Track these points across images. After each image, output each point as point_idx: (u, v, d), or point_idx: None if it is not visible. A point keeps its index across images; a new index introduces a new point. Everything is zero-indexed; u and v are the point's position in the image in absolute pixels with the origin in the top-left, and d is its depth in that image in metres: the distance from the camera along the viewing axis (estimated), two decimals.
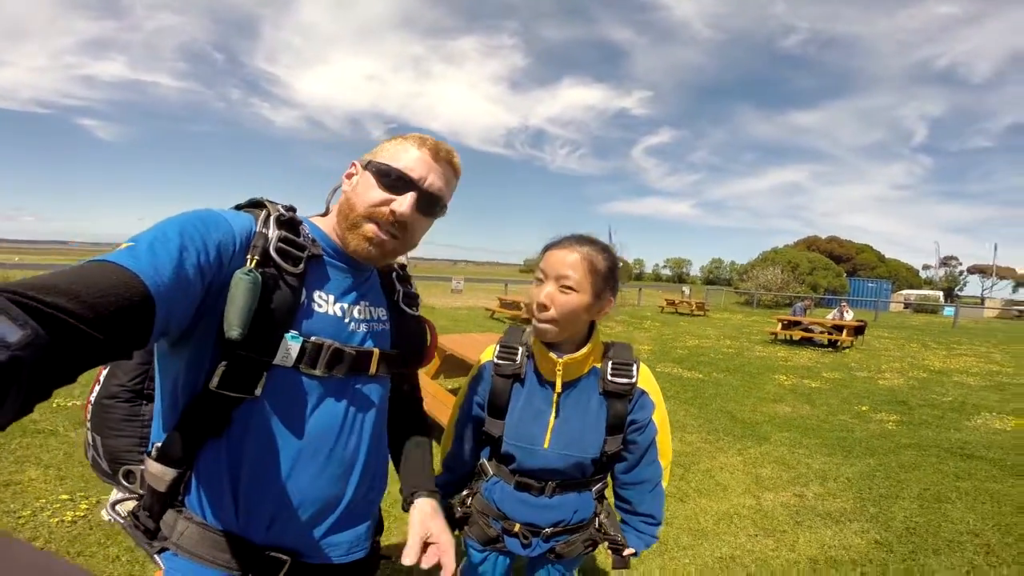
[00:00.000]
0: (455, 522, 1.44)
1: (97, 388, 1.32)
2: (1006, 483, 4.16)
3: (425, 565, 1.01)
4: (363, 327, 1.03)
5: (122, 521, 0.98)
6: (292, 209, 0.98)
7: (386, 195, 0.97)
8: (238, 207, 0.97)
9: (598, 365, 1.33)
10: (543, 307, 1.19)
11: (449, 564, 1.02)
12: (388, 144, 1.02)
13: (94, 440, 1.31)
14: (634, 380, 1.30)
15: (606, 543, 1.39)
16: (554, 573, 1.46)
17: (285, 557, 0.93)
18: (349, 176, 1.04)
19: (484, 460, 1.44)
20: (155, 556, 0.91)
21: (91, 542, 2.61)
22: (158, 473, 0.89)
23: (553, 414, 1.31)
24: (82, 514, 2.86)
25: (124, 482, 1.05)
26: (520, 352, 1.34)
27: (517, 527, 1.37)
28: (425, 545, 1.03)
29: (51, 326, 0.57)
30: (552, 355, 1.27)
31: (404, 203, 0.97)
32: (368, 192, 0.98)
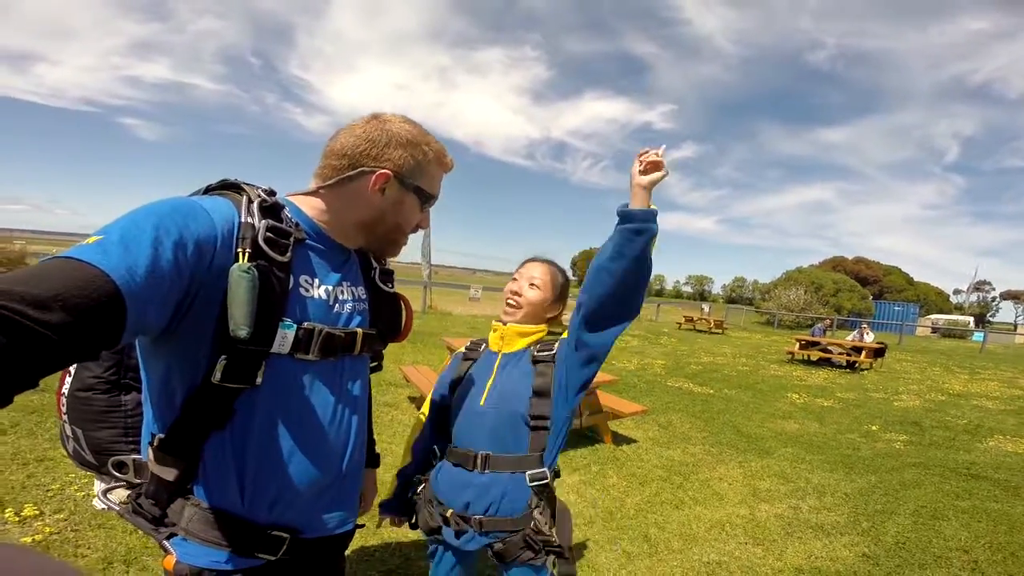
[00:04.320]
0: (406, 508, 1.64)
1: (68, 380, 1.33)
2: (1006, 503, 4.14)
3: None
4: (347, 308, 1.06)
5: (118, 509, 1.00)
6: (272, 193, 0.96)
7: (420, 215, 1.13)
8: (209, 189, 0.95)
9: (531, 349, 1.56)
10: (516, 293, 1.57)
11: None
12: (427, 164, 1.08)
13: (74, 432, 1.32)
14: (554, 350, 1.51)
15: (546, 552, 1.41)
16: None
17: (285, 535, 0.98)
18: (380, 188, 1.01)
19: (435, 446, 1.62)
20: (164, 542, 0.93)
21: (112, 516, 2.78)
22: (166, 465, 0.90)
23: (492, 377, 1.54)
24: None
25: (116, 472, 1.03)
26: (483, 345, 1.68)
27: (450, 512, 1.46)
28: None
29: (6, 330, 0.55)
30: (498, 323, 1.62)
31: (428, 220, 1.16)
32: (413, 215, 1.11)
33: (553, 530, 1.42)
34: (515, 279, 1.61)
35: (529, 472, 1.43)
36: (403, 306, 1.27)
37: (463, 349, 1.71)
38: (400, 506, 1.64)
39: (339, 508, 1.10)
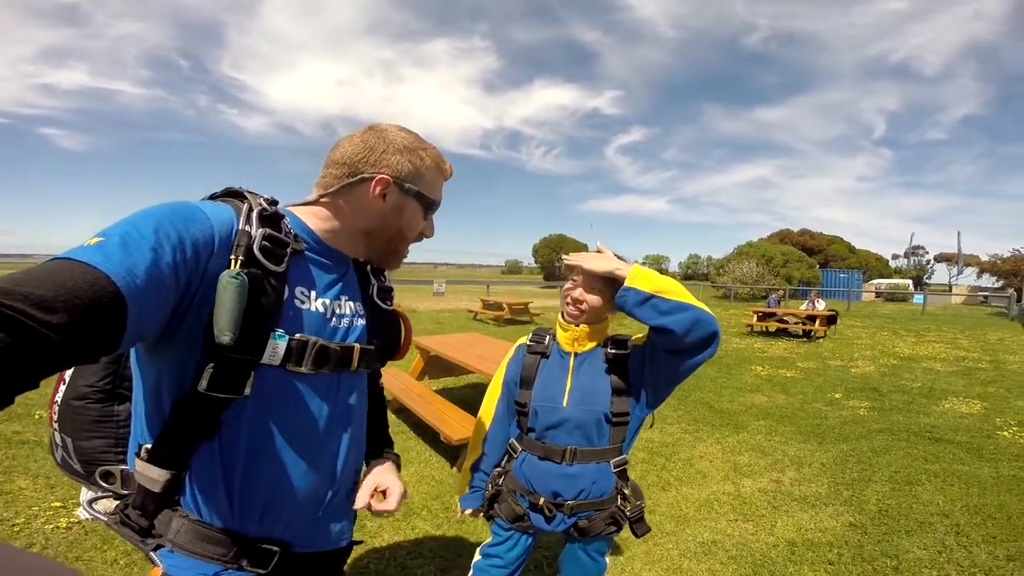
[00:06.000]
0: (488, 501, 1.73)
1: (63, 388, 1.30)
2: (973, 465, 4.35)
3: (376, 507, 1.14)
4: (344, 322, 1.05)
5: (105, 519, 0.98)
6: (274, 202, 0.96)
7: (423, 221, 1.12)
8: (213, 196, 0.95)
9: (601, 344, 1.64)
10: (578, 301, 1.58)
11: (390, 504, 1.16)
12: (426, 170, 1.07)
13: (64, 441, 1.28)
14: (628, 348, 1.60)
15: (628, 523, 1.63)
16: (584, 555, 1.67)
17: (276, 548, 0.96)
18: (381, 194, 1.02)
19: (513, 440, 1.73)
20: (151, 553, 0.91)
21: (88, 547, 2.64)
22: (153, 475, 0.88)
23: (569, 378, 1.62)
24: (77, 520, 2.88)
25: (102, 483, 1.02)
26: (547, 338, 1.73)
27: (542, 501, 1.60)
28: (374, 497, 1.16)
29: (8, 329, 0.56)
30: (571, 324, 1.62)
31: (433, 228, 1.16)
32: (416, 222, 1.10)
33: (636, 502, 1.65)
34: (574, 281, 1.60)
35: (613, 460, 1.61)
36: (402, 324, 1.26)
37: (526, 340, 1.77)
38: (479, 499, 1.76)
39: (333, 522, 1.09)
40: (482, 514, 1.76)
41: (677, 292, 1.37)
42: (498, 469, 1.74)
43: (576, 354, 1.64)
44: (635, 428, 1.62)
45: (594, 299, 1.57)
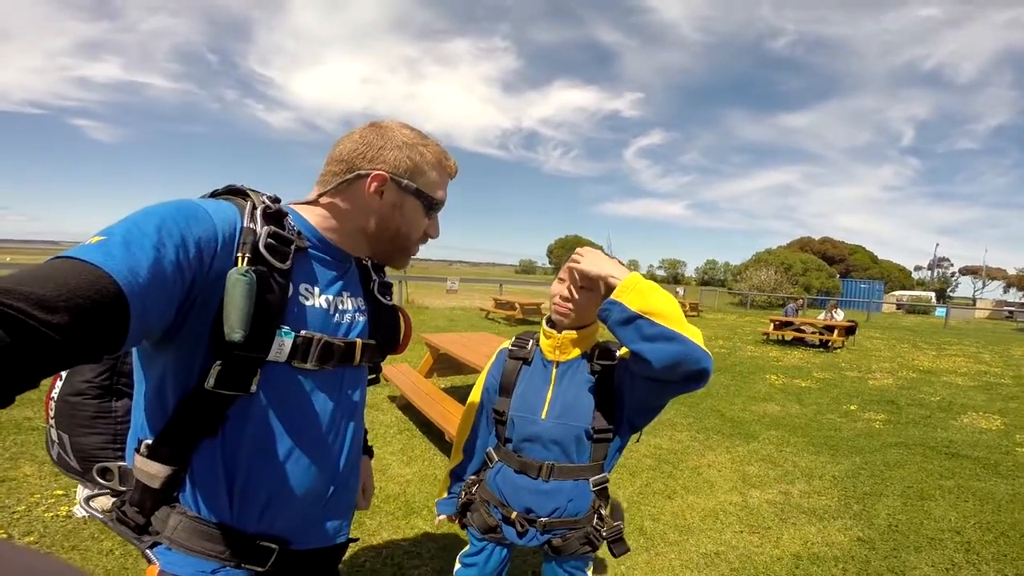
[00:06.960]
0: (461, 508, 1.65)
1: (59, 384, 1.29)
2: (989, 482, 4.23)
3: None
4: (347, 318, 1.05)
5: (101, 516, 0.98)
6: (276, 200, 0.96)
7: (427, 221, 1.09)
8: (214, 193, 0.95)
9: (587, 352, 1.53)
10: (567, 298, 1.45)
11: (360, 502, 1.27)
12: (426, 166, 1.04)
13: (60, 438, 1.28)
14: (615, 359, 1.48)
15: (606, 543, 1.51)
16: (563, 572, 1.56)
17: (274, 546, 0.96)
18: (378, 191, 0.99)
19: (490, 449, 1.63)
20: (147, 551, 0.90)
21: (85, 536, 2.65)
22: (153, 472, 0.87)
23: (551, 389, 1.51)
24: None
25: (100, 479, 1.01)
26: (530, 343, 1.61)
27: (514, 515, 1.50)
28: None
29: (9, 329, 0.56)
30: (554, 331, 1.52)
31: (437, 228, 1.13)
32: (419, 221, 1.07)
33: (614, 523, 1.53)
34: (562, 280, 1.47)
35: (592, 478, 1.50)
36: (402, 319, 1.26)
37: (508, 346, 1.66)
38: (455, 505, 1.68)
39: (332, 518, 1.08)
40: (456, 521, 1.69)
41: (668, 316, 1.17)
42: (473, 477, 1.66)
43: (559, 363, 1.53)
44: (618, 446, 1.51)
45: (586, 298, 1.44)
